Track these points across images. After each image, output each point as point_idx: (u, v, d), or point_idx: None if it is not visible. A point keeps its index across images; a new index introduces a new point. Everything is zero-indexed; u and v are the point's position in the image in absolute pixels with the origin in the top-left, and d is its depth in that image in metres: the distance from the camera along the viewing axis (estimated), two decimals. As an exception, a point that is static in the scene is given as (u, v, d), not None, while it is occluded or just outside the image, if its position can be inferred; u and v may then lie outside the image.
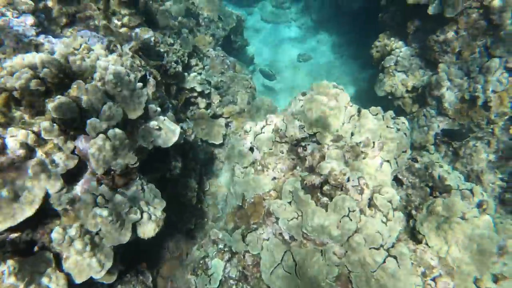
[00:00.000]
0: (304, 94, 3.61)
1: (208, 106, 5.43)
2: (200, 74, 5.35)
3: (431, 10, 4.75)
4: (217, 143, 5.22)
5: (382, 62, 5.68)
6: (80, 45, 2.87)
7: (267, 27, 10.83)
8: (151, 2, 5.03)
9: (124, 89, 2.98)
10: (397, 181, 3.08)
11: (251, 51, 9.77)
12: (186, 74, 5.03)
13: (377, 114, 3.06)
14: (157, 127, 3.27)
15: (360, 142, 2.81)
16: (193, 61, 5.28)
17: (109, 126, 2.65)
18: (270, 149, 3.09)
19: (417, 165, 3.13)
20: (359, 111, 3.16)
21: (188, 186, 4.49)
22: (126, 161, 2.68)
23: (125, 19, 4.40)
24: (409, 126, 5.12)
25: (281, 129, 3.08)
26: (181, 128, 4.32)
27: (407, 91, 5.40)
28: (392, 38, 5.79)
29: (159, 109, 3.31)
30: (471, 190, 3.26)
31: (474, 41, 4.60)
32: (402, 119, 3.21)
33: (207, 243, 3.76)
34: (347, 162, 2.78)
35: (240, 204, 3.18)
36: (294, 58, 9.59)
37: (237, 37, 8.28)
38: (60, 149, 2.44)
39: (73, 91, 2.58)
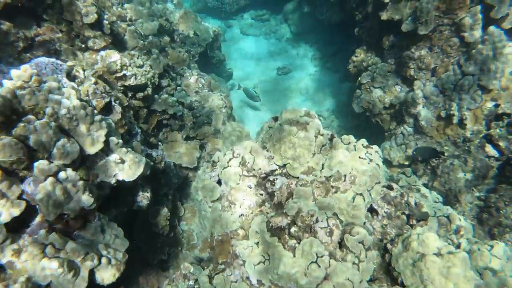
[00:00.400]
0: (276, 119, 3.49)
1: (182, 127, 5.26)
2: (172, 95, 5.18)
3: (404, 27, 4.71)
4: (191, 166, 5.05)
5: (359, 78, 5.62)
6: (31, 76, 2.67)
7: (246, 40, 10.75)
8: (119, 22, 4.85)
9: (81, 123, 2.80)
10: (372, 212, 2.97)
11: (230, 65, 9.66)
12: (156, 96, 4.86)
13: (349, 143, 2.95)
14: (120, 160, 3.09)
15: (330, 176, 2.69)
16: (165, 82, 5.11)
17: (61, 167, 2.46)
18: (237, 184, 2.94)
19: (392, 193, 3.03)
20: (331, 139, 3.04)
21: (159, 215, 4.29)
22: (81, 204, 2.49)
23: (90, 42, 4.23)
24: (388, 144, 5.06)
25: (248, 162, 2.94)
26: (150, 156, 4.15)
27: (385, 108, 5.34)
28: (368, 54, 5.75)
29: (120, 141, 3.13)
30: (448, 217, 3.18)
31: (447, 58, 4.57)
32: (375, 148, 3.11)
33: (178, 277, 3.56)
34: (316, 199, 2.65)
35: (209, 239, 3.02)
36: (273, 71, 9.51)
37: (214, 52, 8.16)
38: (4, 195, 2.23)
39: (19, 130, 2.38)
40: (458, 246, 3.24)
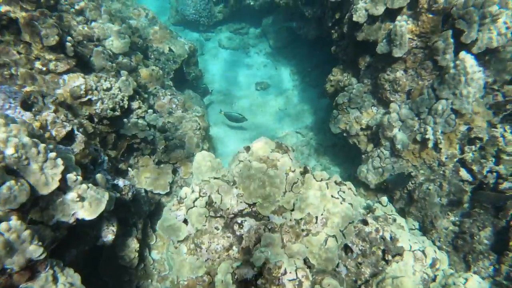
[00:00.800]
0: (248, 149, 3.34)
1: (154, 151, 5.06)
2: (143, 117, 4.98)
3: (379, 49, 4.67)
4: (163, 192, 4.84)
5: (336, 99, 5.55)
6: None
7: (224, 54, 10.61)
8: (85, 42, 4.64)
9: (32, 162, 2.58)
10: (346, 249, 2.85)
11: (207, 79, 9.51)
12: (126, 120, 4.65)
13: (321, 180, 2.83)
14: (78, 199, 2.87)
15: (301, 219, 2.56)
16: (135, 104, 4.90)
17: (3, 215, 2.24)
18: (203, 226, 2.78)
19: (367, 229, 2.91)
20: (304, 172, 2.91)
21: (128, 247, 4.06)
22: (28, 256, 2.26)
23: (51, 65, 4.00)
24: (365, 168, 4.98)
25: (215, 202, 2.78)
26: (117, 186, 3.93)
27: (362, 129, 5.28)
28: (345, 74, 5.70)
29: (79, 177, 2.92)
30: (423, 251, 3.09)
31: (422, 80, 4.54)
32: (348, 184, 3.00)
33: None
34: (285, 246, 2.51)
35: (176, 282, 2.83)
36: (251, 86, 9.39)
37: (191, 68, 7.99)
38: None
39: (-42, 176, 2.15)
40: (434, 280, 3.16)
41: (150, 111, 5.01)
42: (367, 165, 4.96)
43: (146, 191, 4.79)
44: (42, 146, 2.60)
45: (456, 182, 4.23)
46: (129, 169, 4.83)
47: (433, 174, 4.41)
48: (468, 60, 3.86)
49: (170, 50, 7.30)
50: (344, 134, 5.55)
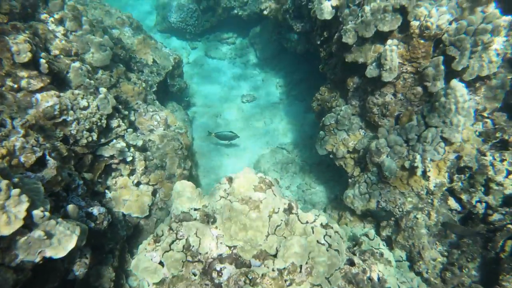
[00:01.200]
0: (230, 179, 3.16)
1: (133, 171, 4.82)
2: (123, 136, 4.75)
3: (368, 73, 4.57)
4: (141, 216, 4.61)
5: (323, 119, 5.42)
6: None
7: (210, 63, 10.43)
8: (62, 56, 4.40)
9: (-9, 200, 2.35)
10: (333, 293, 2.70)
11: (192, 89, 9.30)
12: (103, 140, 4.41)
13: (307, 222, 2.67)
14: (45, 236, 2.64)
15: (284, 269, 2.40)
16: (114, 122, 4.66)
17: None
18: (180, 271, 2.59)
19: (354, 270, 2.77)
20: (289, 209, 2.75)
21: (102, 277, 3.82)
22: (-20, 310, 2.03)
23: (24, 82, 3.74)
24: (351, 193, 4.85)
25: (193, 246, 2.59)
26: (91, 215, 3.70)
27: (348, 152, 5.16)
28: (333, 93, 5.59)
29: (47, 213, 2.69)
30: (412, 293, 2.96)
31: (411, 106, 4.46)
32: (335, 227, 2.85)
33: None
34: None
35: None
36: (237, 98, 9.22)
37: (175, 80, 7.78)
38: None
39: None
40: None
41: (130, 130, 4.78)
42: (353, 190, 4.84)
43: (124, 215, 4.55)
44: (3, 183, 2.37)
45: (444, 211, 4.15)
46: (107, 191, 4.58)
47: (421, 202, 4.31)
48: (459, 89, 3.78)
49: (154, 61, 7.08)
50: (331, 156, 5.43)
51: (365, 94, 4.96)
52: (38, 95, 3.75)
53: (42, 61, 3.78)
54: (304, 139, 7.94)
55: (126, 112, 5.11)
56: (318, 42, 5.93)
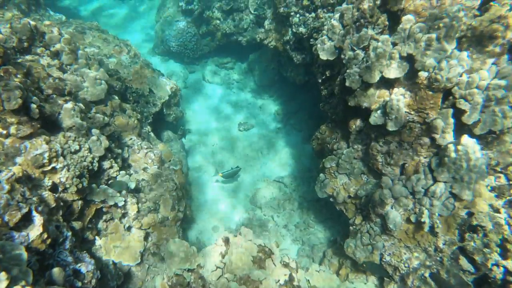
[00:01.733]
0: (226, 240, 2.95)
1: (125, 214, 4.58)
2: (115, 177, 4.52)
3: (373, 120, 4.41)
4: (132, 263, 4.35)
5: (323, 161, 5.25)
6: None
7: (208, 88, 10.28)
8: (55, 96, 4.19)
9: (-34, 283, 2.10)
10: None
11: (188, 117, 9.11)
12: (94, 185, 4.18)
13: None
14: (25, 314, 2.39)
15: None
16: (106, 164, 4.44)
17: None
18: None
19: None
20: (290, 280, 2.53)
21: (87, 338, 3.54)
22: None
23: (13, 128, 3.52)
24: (353, 243, 4.64)
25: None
26: (78, 273, 3.45)
27: (350, 197, 4.98)
28: (333, 135, 5.43)
29: (30, 279, 2.44)
30: None
31: (417, 156, 4.30)
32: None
33: None
34: None
35: None
36: (234, 126, 9.04)
37: (172, 109, 7.59)
38: None
39: None
40: None
41: (123, 172, 4.56)
42: (355, 240, 4.64)
43: (114, 263, 4.29)
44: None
45: (455, 272, 3.94)
46: (97, 237, 4.32)
47: (429, 260, 4.11)
48: (472, 146, 3.64)
49: (151, 91, 6.91)
50: (331, 199, 5.24)
51: (368, 139, 4.81)
52: (27, 143, 3.53)
53: (33, 106, 3.58)
54: (302, 172, 7.76)
55: (119, 151, 4.89)
56: (320, 80, 5.80)
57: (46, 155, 3.55)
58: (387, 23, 4.53)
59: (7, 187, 3.01)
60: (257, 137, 8.78)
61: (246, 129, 8.94)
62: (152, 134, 6.30)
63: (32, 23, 4.64)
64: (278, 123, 9.26)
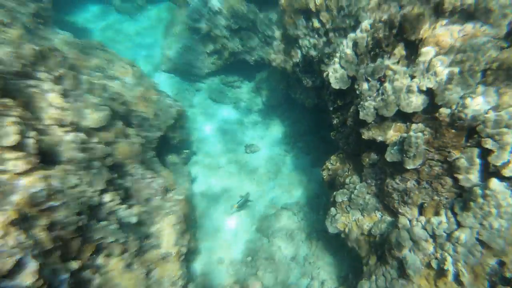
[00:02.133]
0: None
1: (126, 250, 4.32)
2: (115, 212, 4.28)
3: (388, 157, 4.16)
4: (132, 306, 4.09)
5: (335, 195, 4.98)
6: None
7: (214, 107, 10.06)
8: (54, 127, 3.99)
9: None
10: None
11: (193, 138, 8.86)
12: (93, 222, 3.94)
13: None
14: None
15: None
16: (107, 197, 4.21)
17: None
18: None
19: None
20: None
21: None
22: None
23: (10, 165, 3.31)
24: (368, 286, 4.34)
25: None
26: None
27: (362, 234, 4.69)
28: (345, 167, 5.17)
29: None
30: None
31: (438, 196, 4.02)
32: None
33: None
34: None
35: None
36: (241, 148, 8.80)
37: (176, 132, 7.37)
38: None
39: None
40: None
41: (124, 206, 4.32)
42: (369, 283, 4.33)
43: (112, 305, 4.02)
44: None
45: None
46: (96, 275, 4.06)
47: (453, 312, 3.80)
48: (502, 191, 3.36)
49: (156, 114, 6.71)
50: (342, 236, 4.95)
51: (383, 174, 4.54)
52: (24, 180, 3.31)
53: (30, 141, 3.37)
54: (311, 198, 7.48)
55: (121, 181, 4.66)
56: (331, 108, 5.57)
57: (44, 193, 3.33)
58: (403, 52, 4.31)
59: (1, 232, 2.79)
60: (264, 160, 8.53)
61: (253, 152, 8.70)
62: (156, 159, 6.08)
63: (37, 48, 4.48)
64: (285, 145, 9.00)
